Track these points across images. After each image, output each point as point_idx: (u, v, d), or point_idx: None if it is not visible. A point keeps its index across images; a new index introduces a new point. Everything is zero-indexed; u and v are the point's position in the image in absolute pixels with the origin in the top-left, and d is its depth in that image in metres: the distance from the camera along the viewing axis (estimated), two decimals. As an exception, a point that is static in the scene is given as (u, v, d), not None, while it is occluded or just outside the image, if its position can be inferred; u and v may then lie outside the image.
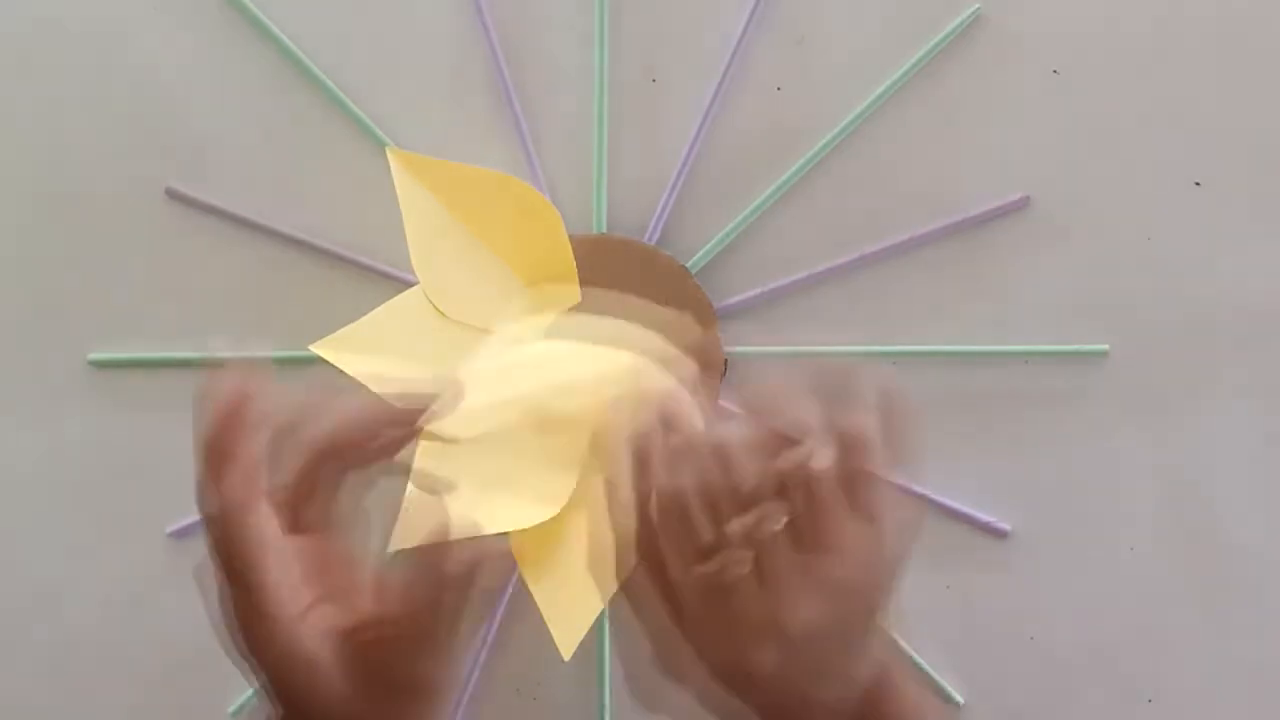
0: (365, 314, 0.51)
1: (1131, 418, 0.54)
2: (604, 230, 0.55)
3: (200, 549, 0.55)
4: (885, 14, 0.55)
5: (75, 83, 0.57)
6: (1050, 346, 0.54)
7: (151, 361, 0.56)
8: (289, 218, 0.56)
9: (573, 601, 0.51)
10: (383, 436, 0.37)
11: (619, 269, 0.54)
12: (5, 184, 0.58)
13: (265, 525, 0.35)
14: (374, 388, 0.41)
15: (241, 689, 0.55)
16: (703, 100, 0.55)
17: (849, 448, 0.35)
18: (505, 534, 0.49)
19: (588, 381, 0.49)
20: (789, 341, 0.54)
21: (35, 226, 0.58)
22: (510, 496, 0.51)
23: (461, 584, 0.35)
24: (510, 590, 0.55)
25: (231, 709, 0.56)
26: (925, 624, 0.53)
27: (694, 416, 0.37)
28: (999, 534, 0.54)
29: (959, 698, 0.54)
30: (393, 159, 0.52)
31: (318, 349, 0.51)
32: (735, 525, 0.35)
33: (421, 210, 0.52)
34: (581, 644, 0.50)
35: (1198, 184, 0.54)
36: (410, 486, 0.43)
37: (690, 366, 0.43)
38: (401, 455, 0.37)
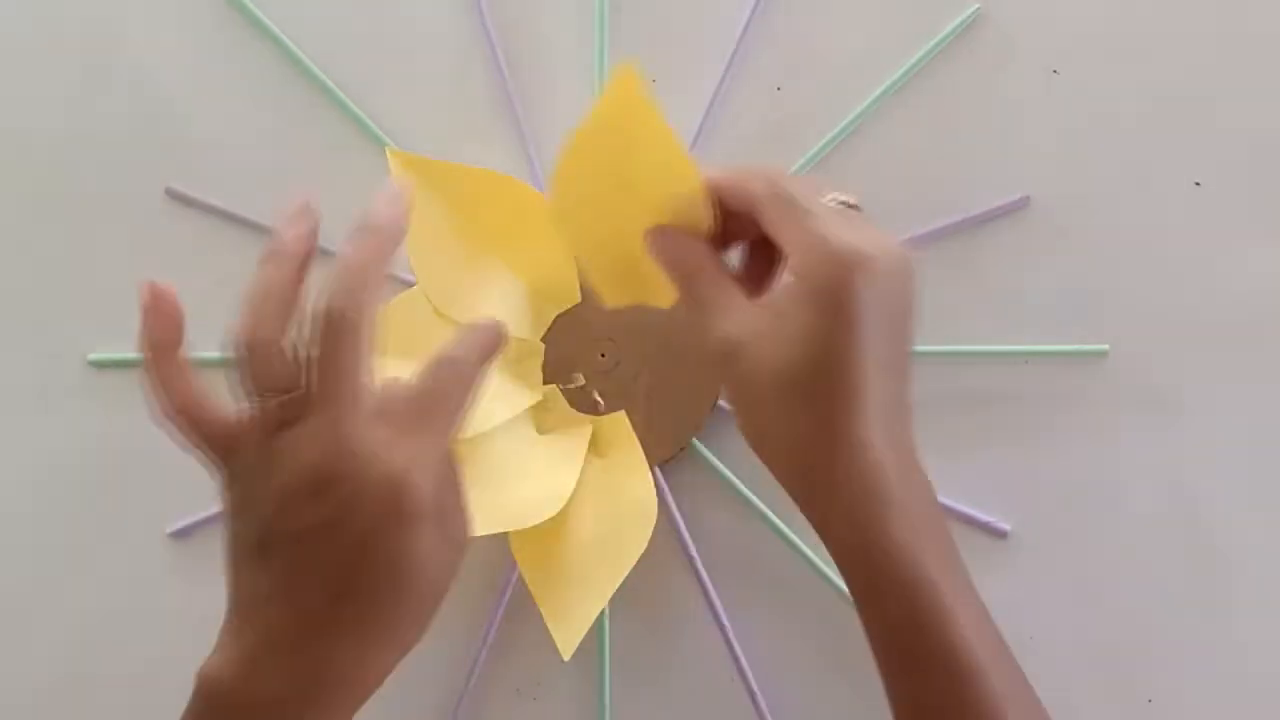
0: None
1: (1131, 418, 0.54)
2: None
3: (199, 549, 0.55)
4: (885, 14, 0.55)
5: (75, 83, 0.57)
6: (1050, 346, 0.54)
7: (151, 361, 0.56)
8: (289, 218, 0.56)
9: (573, 601, 0.51)
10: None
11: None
12: (5, 184, 0.58)
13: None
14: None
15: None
16: (703, 100, 0.55)
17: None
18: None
19: None
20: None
21: (35, 226, 0.58)
22: (510, 496, 0.51)
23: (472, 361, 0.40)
24: (510, 590, 0.55)
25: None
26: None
27: None
28: (999, 534, 0.54)
29: (959, 698, 0.54)
30: (392, 159, 0.52)
31: None
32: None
33: (421, 210, 0.52)
34: (581, 644, 0.50)
35: (1198, 184, 0.54)
36: None
37: None
38: None
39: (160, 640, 0.56)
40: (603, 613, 0.53)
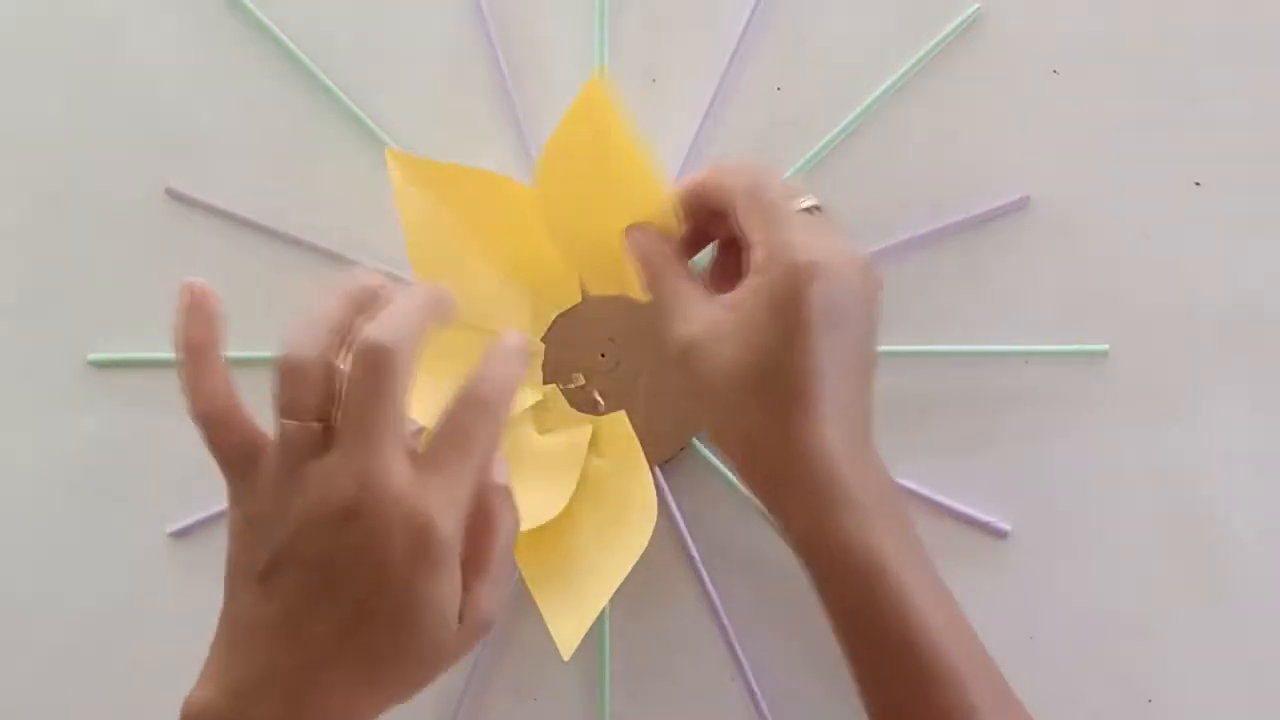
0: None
1: (1131, 418, 0.54)
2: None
3: (199, 549, 0.55)
4: (885, 14, 0.55)
5: (75, 82, 0.57)
6: (1050, 346, 0.54)
7: (151, 361, 0.56)
8: (289, 218, 0.56)
9: (573, 601, 0.51)
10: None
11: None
12: (5, 184, 0.58)
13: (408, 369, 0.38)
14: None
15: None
16: (703, 100, 0.55)
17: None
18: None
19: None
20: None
21: (35, 226, 0.58)
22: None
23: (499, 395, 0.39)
24: (510, 590, 0.55)
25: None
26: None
27: None
28: (999, 534, 0.54)
29: (959, 698, 0.54)
30: (391, 160, 0.52)
31: None
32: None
33: (420, 211, 0.52)
34: (581, 644, 0.50)
35: (1198, 184, 0.54)
36: None
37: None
38: None
39: (160, 640, 0.56)
40: (603, 613, 0.53)
